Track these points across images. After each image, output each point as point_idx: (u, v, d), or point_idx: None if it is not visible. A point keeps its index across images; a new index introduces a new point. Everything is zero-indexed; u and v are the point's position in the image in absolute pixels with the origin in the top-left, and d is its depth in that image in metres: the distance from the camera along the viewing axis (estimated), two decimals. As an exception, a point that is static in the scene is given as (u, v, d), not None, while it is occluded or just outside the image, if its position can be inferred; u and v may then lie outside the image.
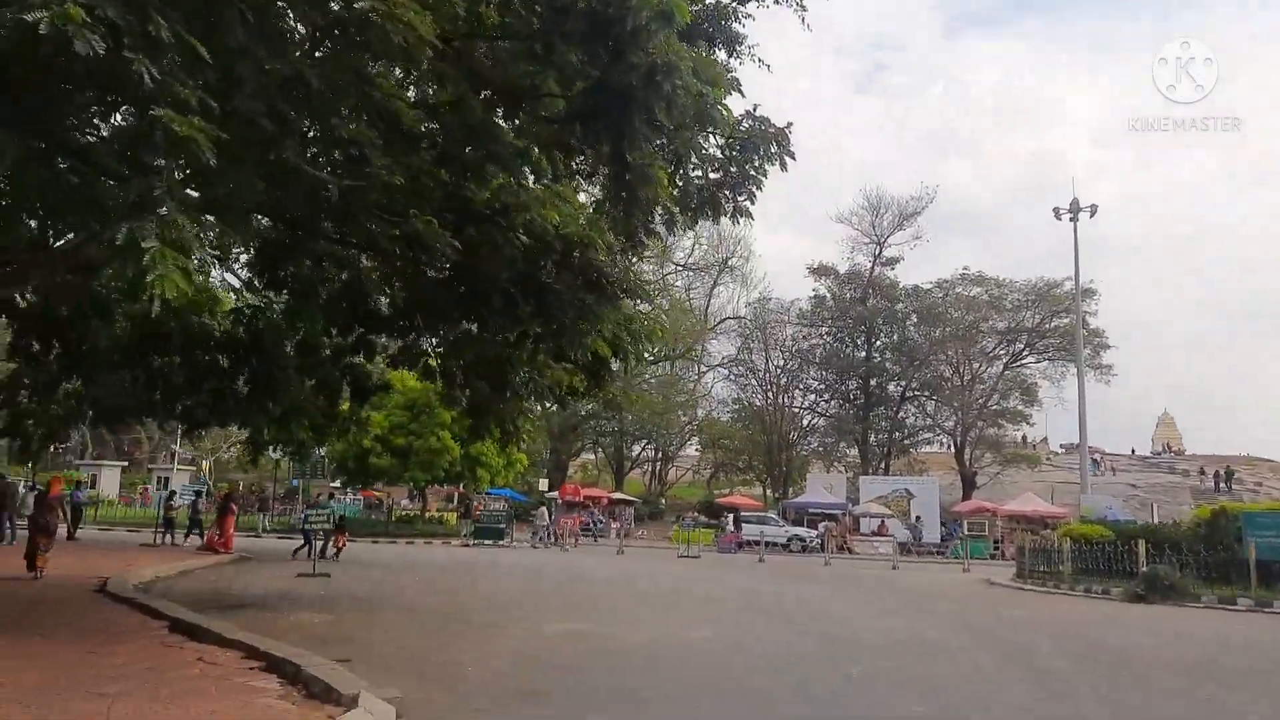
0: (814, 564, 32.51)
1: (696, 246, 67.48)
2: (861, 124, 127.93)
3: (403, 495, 52.86)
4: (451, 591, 17.47)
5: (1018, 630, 14.54)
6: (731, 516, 45.52)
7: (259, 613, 12.92)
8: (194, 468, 53.68)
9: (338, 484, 47.96)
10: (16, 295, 13.44)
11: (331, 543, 24.08)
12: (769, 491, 63.25)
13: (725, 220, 11.82)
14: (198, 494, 32.20)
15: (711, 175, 11.41)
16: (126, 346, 14.05)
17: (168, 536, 27.14)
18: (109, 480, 49.02)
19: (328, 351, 25.91)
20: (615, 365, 15.18)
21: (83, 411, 29.07)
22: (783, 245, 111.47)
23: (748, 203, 11.50)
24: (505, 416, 15.03)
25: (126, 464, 55.69)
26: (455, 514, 42.37)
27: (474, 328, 12.09)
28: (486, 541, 35.08)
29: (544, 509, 41.27)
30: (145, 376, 14.85)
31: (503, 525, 35.77)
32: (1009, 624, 15.44)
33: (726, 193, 11.23)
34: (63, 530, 23.28)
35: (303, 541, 23.63)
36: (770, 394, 64.15)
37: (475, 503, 50.08)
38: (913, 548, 41.34)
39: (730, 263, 67.13)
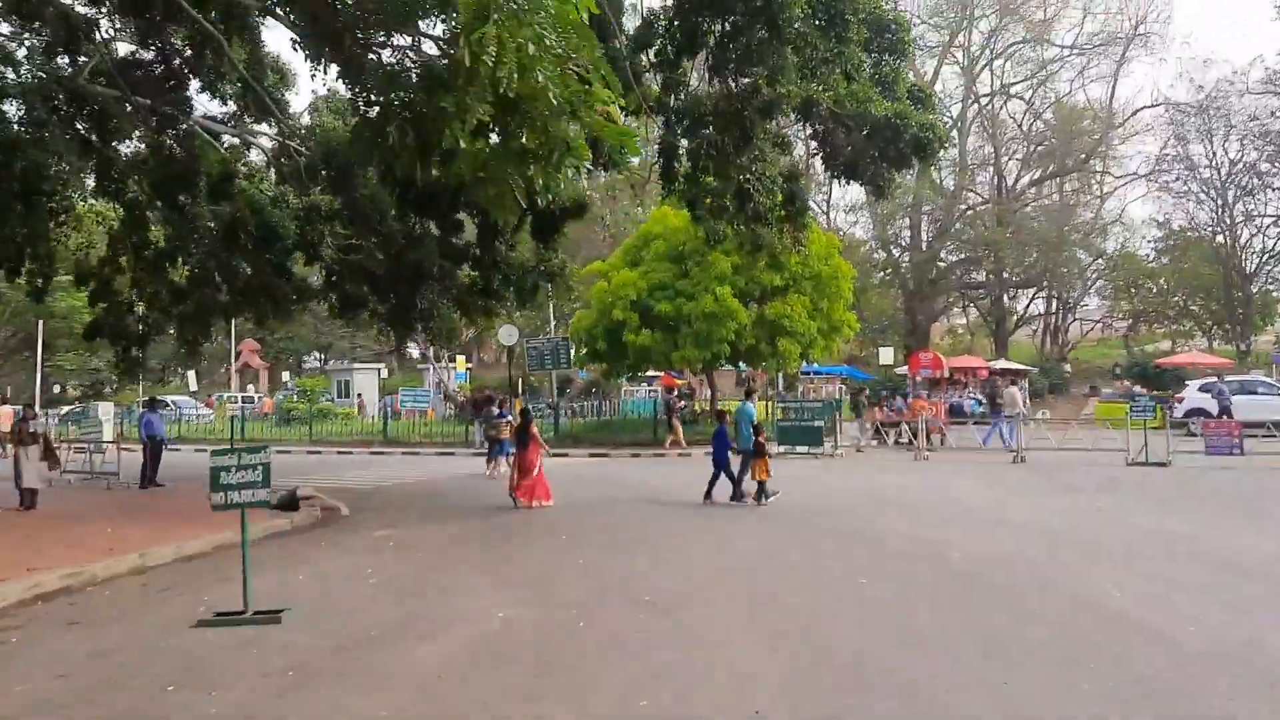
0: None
1: (1088, 18, 49.24)
2: None
3: (720, 378, 32.18)
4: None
5: None
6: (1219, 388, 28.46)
7: None
8: (446, 363, 41.67)
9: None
10: None
11: (751, 474, 14.77)
12: (1218, 345, 45.01)
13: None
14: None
15: None
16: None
17: (492, 464, 19.48)
18: (363, 385, 40.78)
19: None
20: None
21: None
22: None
23: None
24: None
25: (382, 366, 47.11)
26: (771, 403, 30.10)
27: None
28: (799, 449, 22.93)
29: (1015, 391, 24.20)
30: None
31: (819, 423, 23.09)
32: None
33: None
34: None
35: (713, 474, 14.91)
36: (1220, 204, 44.79)
37: (803, 386, 38.37)
38: None
39: (1141, 30, 48.23)
